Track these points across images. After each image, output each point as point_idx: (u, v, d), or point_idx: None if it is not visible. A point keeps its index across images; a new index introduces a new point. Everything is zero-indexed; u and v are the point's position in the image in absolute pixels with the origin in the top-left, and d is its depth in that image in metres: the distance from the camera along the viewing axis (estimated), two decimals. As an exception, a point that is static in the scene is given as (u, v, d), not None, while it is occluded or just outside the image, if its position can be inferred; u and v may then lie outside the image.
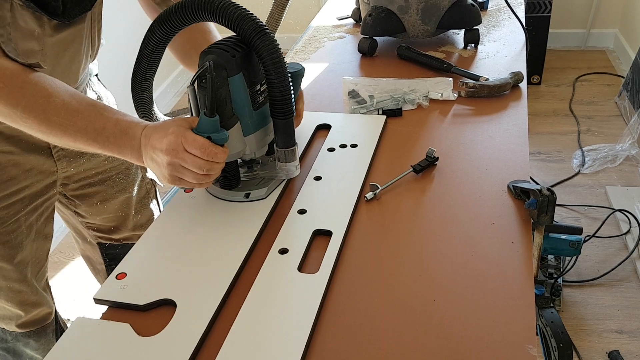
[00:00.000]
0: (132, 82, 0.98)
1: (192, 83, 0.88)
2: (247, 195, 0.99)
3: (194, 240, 0.91)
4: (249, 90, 0.91)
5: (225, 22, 0.85)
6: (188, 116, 0.91)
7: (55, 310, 1.25)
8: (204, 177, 0.87)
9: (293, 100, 0.91)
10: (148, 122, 0.89)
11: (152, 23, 0.91)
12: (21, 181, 1.05)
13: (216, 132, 0.86)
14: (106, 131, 0.86)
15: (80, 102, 0.87)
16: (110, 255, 1.36)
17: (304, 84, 1.45)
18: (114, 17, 1.12)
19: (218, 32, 1.11)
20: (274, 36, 0.86)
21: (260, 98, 0.94)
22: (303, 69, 1.04)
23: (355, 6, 1.83)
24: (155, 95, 1.02)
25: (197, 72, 0.86)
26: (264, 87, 0.94)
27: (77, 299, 2.10)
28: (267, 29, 0.85)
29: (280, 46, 0.87)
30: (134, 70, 0.96)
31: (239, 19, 0.84)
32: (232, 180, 1.00)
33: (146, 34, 0.93)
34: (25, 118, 0.85)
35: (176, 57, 1.15)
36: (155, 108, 1.04)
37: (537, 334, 1.40)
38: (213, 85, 0.85)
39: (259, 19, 0.86)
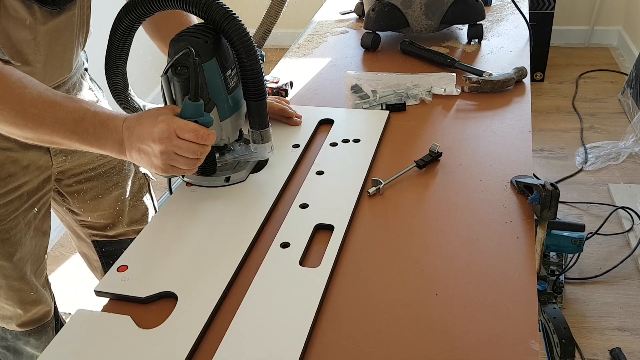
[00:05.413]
0: (105, 71, 0.99)
1: (165, 72, 0.88)
2: (228, 179, 1.01)
3: (196, 234, 0.91)
4: (222, 75, 0.93)
5: (192, 9, 0.86)
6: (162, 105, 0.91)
7: (55, 308, 1.25)
8: (195, 162, 0.88)
9: (264, 81, 0.93)
10: (127, 114, 0.88)
11: (119, 11, 0.91)
12: (19, 178, 1.05)
13: (201, 116, 0.87)
14: (85, 122, 0.84)
15: (56, 94, 0.84)
16: (105, 253, 1.35)
17: (307, 78, 1.45)
18: (104, 15, 1.11)
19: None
20: (240, 20, 0.87)
21: (232, 83, 0.96)
22: (264, 54, 1.05)
23: (358, 1, 1.82)
24: (152, 94, 1.02)
25: (172, 60, 0.87)
26: (234, 71, 0.96)
27: (78, 293, 2.11)
28: (234, 13, 0.87)
29: (248, 31, 0.88)
30: (105, 59, 0.98)
31: (207, 6, 0.86)
32: (210, 166, 1.01)
33: (114, 22, 0.93)
34: None
35: (154, 40, 1.15)
36: (135, 96, 1.05)
37: (540, 330, 1.39)
38: (196, 69, 0.85)
39: (225, 5, 0.87)
